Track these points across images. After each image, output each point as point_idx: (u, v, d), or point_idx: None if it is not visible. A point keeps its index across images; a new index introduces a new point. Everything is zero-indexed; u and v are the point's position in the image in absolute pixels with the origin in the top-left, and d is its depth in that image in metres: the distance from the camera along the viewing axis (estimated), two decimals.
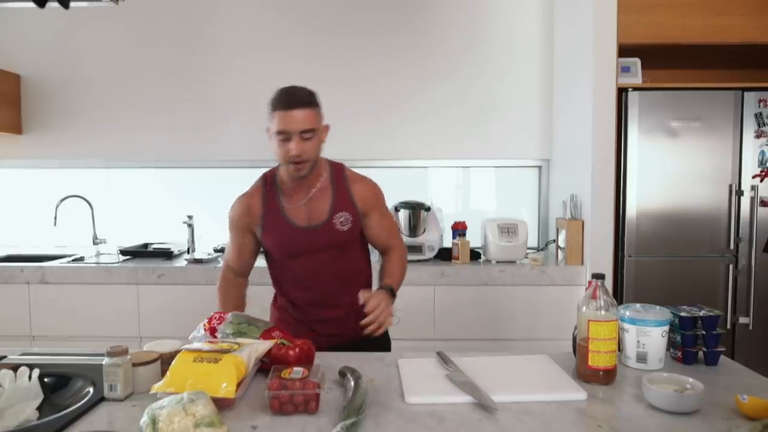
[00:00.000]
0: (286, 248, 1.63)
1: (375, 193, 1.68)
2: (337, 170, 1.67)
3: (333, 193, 1.62)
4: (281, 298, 1.76)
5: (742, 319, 2.57)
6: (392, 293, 1.59)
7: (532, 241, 3.12)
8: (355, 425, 1.01)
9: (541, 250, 3.12)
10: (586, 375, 1.25)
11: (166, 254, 2.91)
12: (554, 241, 2.90)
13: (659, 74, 2.96)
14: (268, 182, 1.69)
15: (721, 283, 2.58)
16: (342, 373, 1.24)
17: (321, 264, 1.62)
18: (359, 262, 1.72)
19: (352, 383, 1.14)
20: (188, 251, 3.03)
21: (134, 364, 1.20)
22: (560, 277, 2.60)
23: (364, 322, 1.46)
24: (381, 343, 1.69)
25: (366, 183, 1.69)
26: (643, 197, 2.57)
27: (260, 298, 2.59)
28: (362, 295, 1.49)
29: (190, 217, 3.08)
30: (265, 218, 1.63)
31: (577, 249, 2.62)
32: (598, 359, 1.23)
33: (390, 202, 1.89)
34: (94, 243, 3.09)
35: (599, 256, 2.56)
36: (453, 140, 3.16)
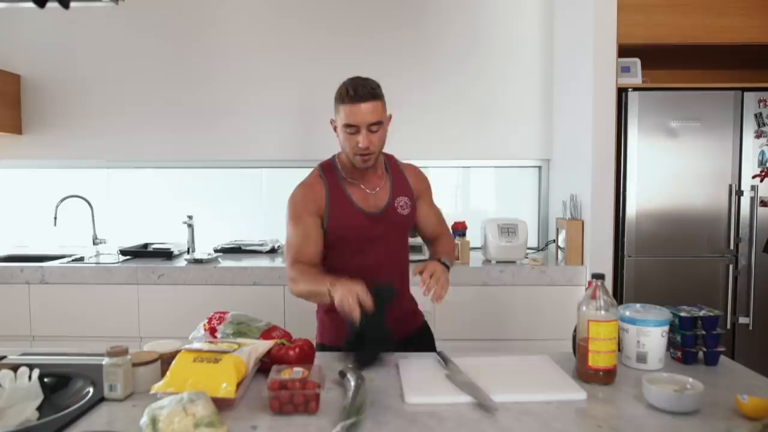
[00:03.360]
0: (354, 234, 1.60)
1: (423, 176, 1.75)
2: (391, 158, 1.73)
3: (391, 180, 1.67)
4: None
5: (742, 320, 2.57)
6: (445, 265, 1.57)
7: (532, 241, 3.12)
8: (356, 425, 1.01)
9: (541, 250, 3.13)
10: (586, 375, 1.25)
11: (166, 254, 2.91)
12: (554, 241, 2.90)
13: (659, 74, 2.96)
14: (328, 171, 1.67)
15: (721, 283, 2.58)
16: (342, 373, 1.24)
17: (382, 254, 1.62)
18: (405, 252, 1.74)
19: (353, 383, 1.14)
20: (188, 251, 3.03)
21: (134, 364, 1.20)
22: (560, 277, 2.60)
23: (423, 287, 1.46)
24: (425, 342, 1.73)
25: (415, 168, 1.76)
26: (643, 197, 2.57)
27: (262, 298, 2.60)
28: (416, 268, 1.51)
29: (190, 217, 3.08)
30: (330, 205, 1.61)
31: (577, 249, 2.62)
32: (598, 359, 1.23)
33: None
34: (94, 243, 3.09)
35: (599, 256, 2.56)
36: (453, 140, 3.16)
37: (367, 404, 1.09)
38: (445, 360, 1.36)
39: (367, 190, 1.63)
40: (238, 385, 1.11)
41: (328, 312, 1.67)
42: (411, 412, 1.10)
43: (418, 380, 1.26)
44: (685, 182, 2.56)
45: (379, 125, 1.52)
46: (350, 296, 1.34)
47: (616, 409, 1.13)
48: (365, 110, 1.48)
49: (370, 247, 1.61)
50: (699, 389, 1.11)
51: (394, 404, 1.14)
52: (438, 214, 1.79)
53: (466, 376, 1.25)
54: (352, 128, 1.50)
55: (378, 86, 1.55)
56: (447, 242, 1.76)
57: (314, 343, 1.46)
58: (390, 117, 1.61)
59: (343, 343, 1.43)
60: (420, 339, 1.72)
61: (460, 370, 1.29)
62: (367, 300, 1.34)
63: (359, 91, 1.49)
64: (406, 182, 1.68)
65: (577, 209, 2.69)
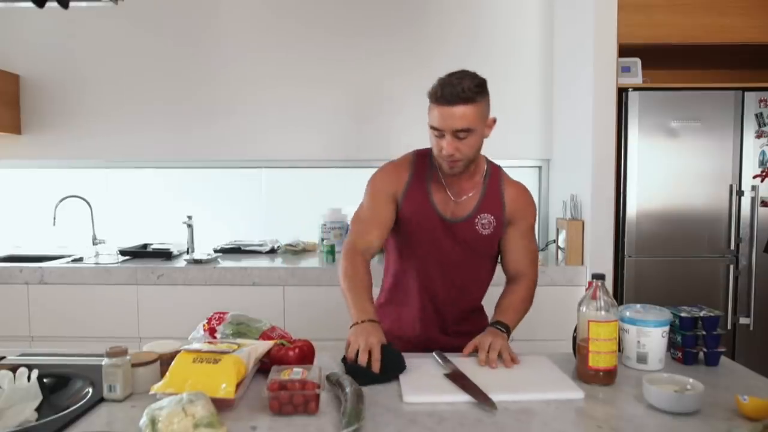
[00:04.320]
0: (422, 236, 1.49)
1: (528, 201, 1.53)
2: (495, 170, 1.55)
3: (483, 192, 1.51)
4: (389, 291, 1.63)
5: (743, 320, 2.57)
6: (506, 331, 1.44)
7: None
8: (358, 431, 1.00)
9: (542, 250, 3.12)
10: (586, 375, 1.25)
11: (166, 254, 2.91)
12: (554, 241, 2.90)
13: (659, 74, 2.96)
14: (420, 159, 1.54)
15: (721, 283, 2.58)
16: (330, 379, 1.21)
17: (448, 264, 1.50)
18: (481, 277, 1.57)
19: (347, 390, 1.12)
20: (188, 251, 3.03)
21: (134, 365, 1.20)
22: (560, 278, 2.60)
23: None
24: None
25: (520, 188, 1.55)
26: (643, 197, 2.57)
27: (262, 298, 2.60)
28: (469, 346, 1.37)
29: (189, 217, 3.07)
30: (407, 192, 1.50)
31: (577, 249, 2.62)
32: (599, 360, 1.22)
33: None
34: (94, 243, 3.09)
35: (599, 256, 2.56)
36: None
37: (366, 408, 1.09)
38: (443, 359, 1.36)
39: (451, 196, 1.50)
40: (238, 385, 1.11)
41: (382, 306, 1.63)
42: (410, 413, 1.10)
43: (416, 380, 1.26)
44: (685, 182, 2.56)
45: (468, 132, 1.36)
46: (361, 349, 1.26)
47: (616, 410, 1.13)
48: (453, 115, 1.34)
49: (437, 257, 1.49)
50: (699, 390, 1.11)
51: (393, 404, 1.14)
52: (529, 251, 1.54)
53: (465, 376, 1.25)
54: (437, 131, 1.38)
55: (474, 88, 1.36)
56: (523, 293, 1.52)
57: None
58: (493, 121, 1.45)
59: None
60: None
61: (458, 370, 1.28)
62: (375, 363, 1.24)
63: (447, 92, 1.34)
64: (500, 201, 1.50)
65: (577, 209, 2.68)
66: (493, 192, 1.51)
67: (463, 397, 1.16)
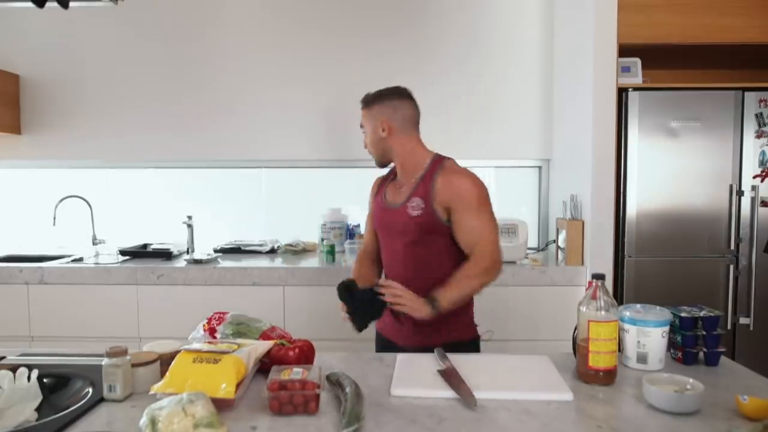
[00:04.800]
0: (377, 224, 1.80)
1: (461, 190, 1.63)
2: (436, 162, 1.70)
3: (418, 181, 1.68)
4: None
5: (743, 320, 2.57)
6: (435, 309, 1.52)
7: (533, 242, 3.11)
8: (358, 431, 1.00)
9: (542, 250, 3.12)
10: (586, 375, 1.25)
11: (166, 254, 2.91)
12: (554, 241, 2.90)
13: (659, 74, 2.96)
14: (393, 169, 1.84)
15: (721, 283, 2.58)
16: (330, 379, 1.22)
17: (397, 249, 1.70)
18: (438, 259, 1.65)
19: (347, 390, 1.12)
20: (188, 251, 3.03)
21: (134, 365, 1.20)
22: (560, 278, 2.60)
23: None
24: (470, 349, 1.67)
25: (456, 176, 1.66)
26: (643, 197, 2.57)
27: (262, 298, 2.60)
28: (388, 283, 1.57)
29: (189, 217, 3.07)
30: (377, 192, 1.83)
31: (577, 249, 2.62)
32: (599, 360, 1.22)
33: None
34: (94, 243, 3.09)
35: (599, 256, 2.56)
36: (453, 140, 3.16)
37: (366, 408, 1.09)
38: (442, 357, 1.37)
39: (397, 187, 1.75)
40: (238, 385, 1.11)
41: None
42: (410, 412, 1.10)
43: (408, 374, 1.28)
44: (685, 182, 2.56)
45: (362, 128, 1.77)
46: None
47: (616, 410, 1.13)
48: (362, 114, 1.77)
49: (390, 241, 1.74)
50: (699, 390, 1.11)
51: (393, 404, 1.14)
52: (474, 230, 1.62)
53: (456, 372, 1.25)
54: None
55: (371, 95, 1.76)
56: (468, 270, 1.60)
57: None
58: (384, 126, 1.70)
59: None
60: (454, 350, 1.53)
61: (452, 367, 1.29)
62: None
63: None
64: (430, 187, 1.64)
65: (577, 209, 2.68)
66: (426, 180, 1.67)
67: (447, 393, 1.17)
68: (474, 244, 1.62)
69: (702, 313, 1.39)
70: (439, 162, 1.70)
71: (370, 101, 1.74)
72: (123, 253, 2.94)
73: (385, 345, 1.78)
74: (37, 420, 1.11)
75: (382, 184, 1.83)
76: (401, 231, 1.67)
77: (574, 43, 2.79)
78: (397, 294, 1.53)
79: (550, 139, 3.16)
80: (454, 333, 1.66)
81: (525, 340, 2.61)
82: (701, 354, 1.37)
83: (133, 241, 3.15)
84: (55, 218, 2.99)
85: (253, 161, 3.23)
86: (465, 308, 1.72)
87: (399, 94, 1.74)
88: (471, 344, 1.73)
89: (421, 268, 1.66)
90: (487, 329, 1.81)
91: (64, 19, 3.07)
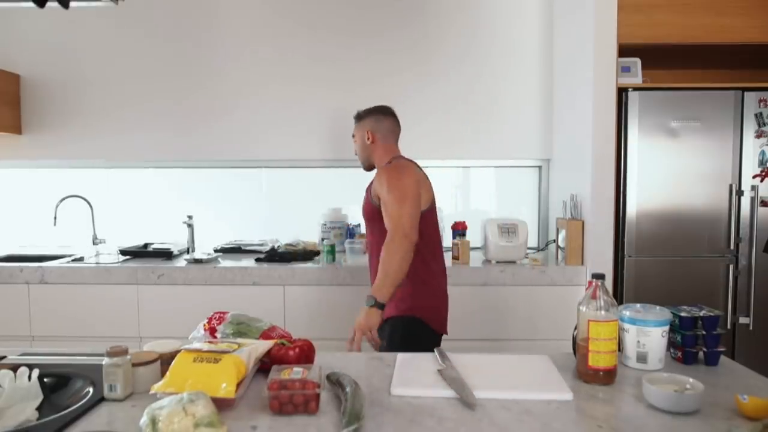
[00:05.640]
0: None
1: (378, 182, 1.94)
2: (387, 163, 2.01)
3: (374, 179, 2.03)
4: None
5: (743, 320, 2.57)
6: (376, 305, 1.76)
7: (532, 241, 3.12)
8: (358, 431, 1.00)
9: (541, 250, 3.12)
10: (586, 375, 1.25)
11: (166, 254, 2.91)
12: (554, 241, 2.90)
13: (659, 74, 2.96)
14: None
15: (721, 283, 2.58)
16: (331, 378, 1.22)
17: (367, 238, 2.10)
18: (376, 239, 1.96)
19: (347, 390, 1.12)
20: (188, 251, 3.03)
21: (134, 364, 1.20)
22: (560, 277, 2.60)
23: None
24: (415, 329, 1.89)
25: (379, 172, 1.99)
26: (643, 197, 2.57)
27: (262, 298, 2.60)
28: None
29: (190, 217, 3.08)
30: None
31: (577, 249, 2.62)
32: (599, 359, 1.23)
33: None
34: (94, 243, 3.09)
35: (599, 256, 2.56)
36: (453, 140, 3.16)
37: (366, 408, 1.09)
38: (442, 357, 1.37)
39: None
40: (238, 385, 1.11)
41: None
42: (410, 412, 1.10)
43: (408, 374, 1.28)
44: (685, 182, 2.56)
45: (353, 138, 2.16)
46: None
47: (616, 409, 1.13)
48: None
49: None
50: (699, 389, 1.11)
51: (393, 404, 1.14)
52: (386, 215, 1.86)
53: (457, 372, 1.25)
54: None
55: (360, 112, 2.15)
56: (383, 253, 1.81)
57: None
58: (369, 135, 2.08)
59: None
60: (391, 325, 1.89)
61: (452, 367, 1.29)
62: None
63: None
64: (372, 183, 2.00)
65: (577, 209, 2.68)
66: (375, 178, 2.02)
67: (447, 392, 1.17)
68: (387, 226, 1.84)
69: (702, 313, 1.39)
70: (388, 163, 2.00)
71: (361, 116, 2.13)
72: (123, 252, 2.94)
73: None
74: (37, 419, 1.11)
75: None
76: (366, 222, 2.05)
77: (574, 43, 2.79)
78: (356, 337, 1.75)
79: (550, 139, 3.16)
80: (393, 306, 1.88)
81: (525, 340, 2.61)
82: (701, 354, 1.37)
83: (133, 241, 3.15)
84: (55, 218, 2.99)
85: (254, 161, 3.24)
86: (403, 285, 1.85)
87: (383, 111, 2.10)
88: (407, 322, 1.90)
89: (375, 249, 1.95)
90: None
91: (65, 19, 3.07)
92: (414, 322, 1.88)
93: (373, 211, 1.96)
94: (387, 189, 1.87)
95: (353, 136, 2.15)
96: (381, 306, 1.75)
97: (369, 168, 2.13)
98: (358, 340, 1.74)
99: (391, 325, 1.87)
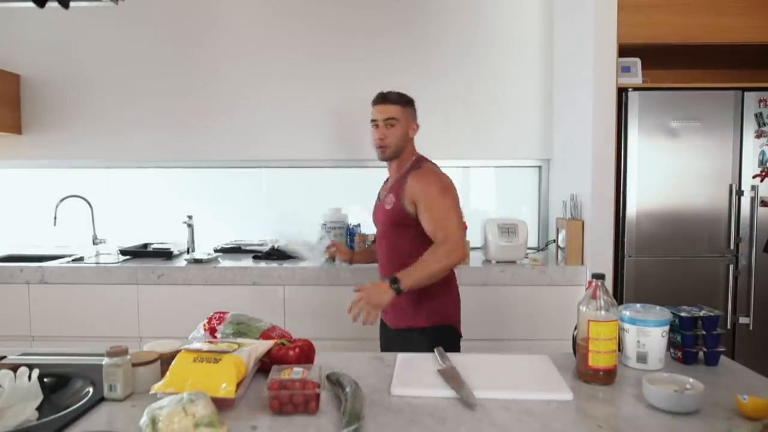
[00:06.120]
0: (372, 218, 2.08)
1: (424, 183, 1.84)
2: (415, 164, 1.93)
3: (398, 179, 1.91)
4: None
5: (743, 320, 2.57)
6: (396, 288, 1.69)
7: (532, 241, 3.11)
8: (358, 431, 1.00)
9: (541, 250, 3.12)
10: (586, 375, 1.25)
11: (166, 254, 2.91)
12: (554, 241, 2.90)
13: (659, 74, 2.96)
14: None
15: (721, 283, 2.58)
16: (331, 378, 1.22)
17: (379, 240, 2.00)
18: (409, 248, 1.83)
19: (347, 390, 1.13)
20: (188, 251, 3.03)
21: (134, 364, 1.20)
22: (560, 277, 2.60)
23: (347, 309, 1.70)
24: (446, 338, 1.82)
25: (423, 174, 1.87)
26: (643, 197, 2.57)
27: (262, 298, 2.60)
28: (357, 285, 1.75)
29: (190, 217, 3.08)
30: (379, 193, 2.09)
31: (577, 249, 2.62)
32: (599, 359, 1.23)
33: None
34: (94, 243, 3.09)
35: (599, 256, 2.56)
36: (453, 140, 3.16)
37: (366, 408, 1.09)
38: (442, 356, 1.37)
39: (386, 185, 2.02)
40: (238, 385, 1.11)
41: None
42: (410, 412, 1.10)
43: (408, 374, 1.29)
44: (685, 182, 2.56)
45: (394, 121, 1.90)
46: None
47: (616, 409, 1.13)
48: (384, 109, 1.91)
49: (379, 232, 2.00)
50: (699, 389, 1.11)
51: (392, 404, 1.14)
52: (435, 220, 1.80)
53: (456, 372, 1.25)
54: (374, 123, 1.93)
55: (403, 96, 1.95)
56: (429, 252, 1.75)
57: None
58: (416, 127, 1.98)
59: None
60: (430, 335, 1.82)
61: (452, 366, 1.29)
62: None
63: (383, 96, 1.94)
64: (403, 185, 1.86)
65: (577, 209, 2.68)
66: (402, 179, 1.89)
67: (447, 392, 1.17)
68: (435, 231, 1.80)
69: (702, 313, 1.39)
70: (416, 164, 1.92)
71: (407, 101, 1.96)
72: (123, 252, 2.94)
73: (382, 328, 2.04)
74: (37, 419, 1.11)
75: (384, 184, 2.08)
76: (380, 223, 1.97)
77: (574, 43, 2.79)
78: (358, 304, 1.68)
79: (550, 139, 3.16)
80: (427, 316, 1.85)
81: (525, 340, 2.61)
82: (701, 354, 1.37)
83: (133, 241, 3.15)
84: (55, 218, 2.99)
85: (254, 161, 3.24)
86: (440, 296, 1.87)
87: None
88: (446, 331, 1.88)
89: (394, 255, 1.89)
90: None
91: (65, 19, 3.07)
92: (450, 331, 1.89)
93: (402, 216, 1.85)
94: (439, 194, 1.80)
95: (391, 119, 1.90)
96: (399, 292, 1.69)
97: (389, 159, 1.95)
98: (362, 313, 1.66)
99: (428, 335, 1.81)
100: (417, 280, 1.71)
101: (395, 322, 1.92)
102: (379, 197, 2.05)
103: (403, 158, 1.94)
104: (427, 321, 1.85)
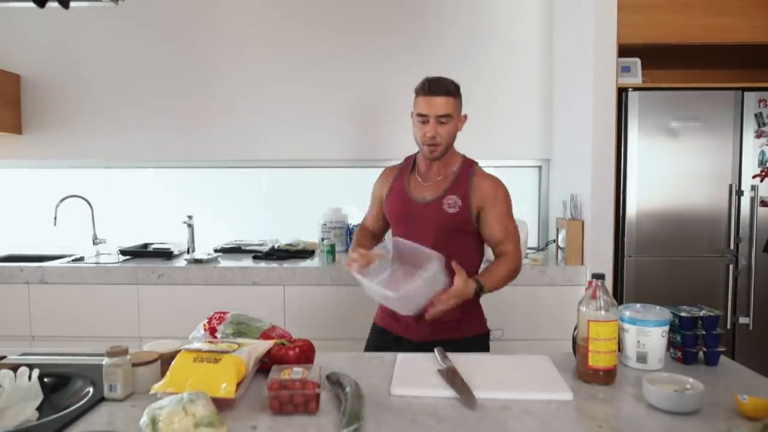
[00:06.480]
0: (398, 216, 1.75)
1: (496, 190, 1.71)
2: (468, 163, 1.76)
3: (453, 179, 1.71)
4: None
5: (742, 320, 2.57)
6: (478, 289, 1.57)
7: (533, 241, 3.12)
8: (358, 431, 1.00)
9: (541, 250, 3.12)
10: (586, 375, 1.25)
11: (166, 254, 2.91)
12: (554, 241, 2.90)
13: (659, 74, 2.96)
14: (407, 160, 1.84)
15: (721, 283, 2.58)
16: (331, 378, 1.22)
17: (425, 244, 1.58)
18: (466, 258, 1.64)
19: (347, 390, 1.13)
20: (188, 251, 3.03)
21: (134, 364, 1.20)
22: (560, 277, 2.60)
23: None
24: (480, 345, 1.74)
25: (490, 179, 1.73)
26: (643, 197, 2.57)
27: (262, 298, 2.60)
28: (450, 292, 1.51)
29: (190, 217, 3.08)
30: (391, 188, 1.79)
31: (577, 249, 2.62)
32: (599, 359, 1.23)
33: None
34: (94, 243, 3.09)
35: (599, 256, 2.56)
36: None
37: (366, 408, 1.09)
38: (442, 356, 1.37)
39: (423, 182, 1.74)
40: (238, 385, 1.11)
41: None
42: (410, 412, 1.10)
43: (408, 373, 1.28)
44: (685, 182, 2.56)
45: (448, 118, 1.63)
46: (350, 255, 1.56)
47: (616, 409, 1.13)
48: (437, 102, 1.61)
49: (417, 236, 1.63)
50: (699, 389, 1.11)
51: (392, 404, 1.14)
52: (507, 231, 1.69)
53: (456, 372, 1.26)
54: (423, 117, 1.64)
55: (455, 84, 1.66)
56: (503, 263, 1.67)
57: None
58: (465, 117, 1.72)
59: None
60: (465, 347, 1.59)
61: (453, 367, 1.29)
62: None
63: (434, 85, 1.62)
64: (467, 185, 1.69)
65: (577, 209, 2.68)
66: (462, 178, 1.71)
67: (447, 392, 1.17)
68: (503, 239, 1.69)
69: (702, 313, 1.39)
70: (470, 163, 1.76)
71: (458, 89, 1.67)
72: (123, 252, 2.94)
73: (393, 342, 1.73)
74: (37, 419, 1.11)
75: (401, 175, 1.79)
76: (434, 227, 1.67)
77: (574, 43, 2.79)
78: (449, 301, 1.50)
79: (550, 139, 3.16)
80: (466, 327, 1.71)
81: (525, 340, 2.61)
82: (701, 354, 1.37)
83: (133, 241, 3.15)
84: (55, 218, 2.99)
85: (254, 161, 3.24)
86: (476, 305, 1.76)
87: None
88: (482, 339, 1.78)
89: (465, 264, 1.62)
90: (497, 328, 1.80)
91: (65, 19, 3.07)
92: (488, 336, 1.83)
93: (468, 221, 1.68)
94: (507, 209, 1.72)
95: (446, 116, 1.62)
96: (478, 293, 1.59)
97: (438, 159, 1.69)
98: (446, 308, 1.51)
99: (475, 343, 1.73)
100: (493, 287, 1.63)
101: (431, 335, 1.65)
102: (408, 191, 1.74)
103: (449, 155, 1.72)
104: (470, 331, 1.74)
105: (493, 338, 1.82)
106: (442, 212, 1.67)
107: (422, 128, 1.65)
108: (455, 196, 1.68)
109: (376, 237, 1.91)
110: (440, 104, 1.61)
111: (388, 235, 1.86)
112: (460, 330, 1.70)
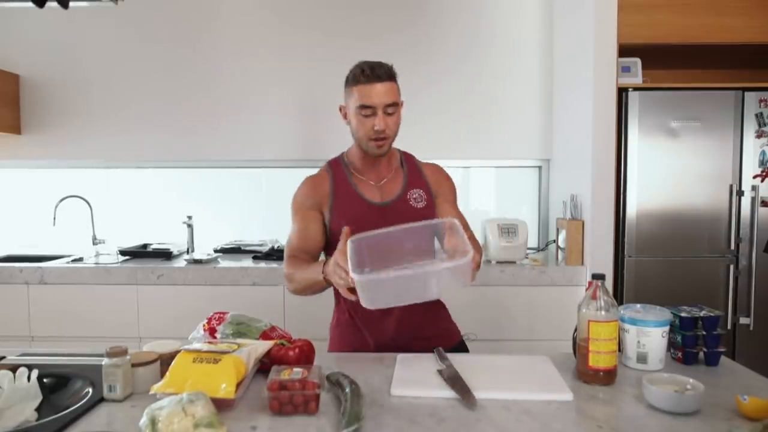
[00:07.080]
0: (359, 223, 1.39)
1: (447, 178, 1.63)
2: (408, 156, 1.64)
3: (405, 173, 1.58)
4: (342, 312, 1.61)
5: (743, 320, 2.57)
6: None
7: (533, 242, 3.11)
8: (358, 431, 1.00)
9: (541, 250, 3.12)
10: (586, 375, 1.25)
11: (166, 254, 2.91)
12: (554, 241, 2.90)
13: (659, 74, 2.96)
14: (335, 165, 1.61)
15: (721, 283, 2.58)
16: (331, 380, 1.22)
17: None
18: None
19: (348, 390, 1.12)
20: (188, 251, 3.03)
21: (134, 365, 1.19)
22: (560, 278, 2.60)
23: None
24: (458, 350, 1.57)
25: (437, 167, 1.65)
26: (643, 197, 2.57)
27: (262, 298, 2.60)
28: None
29: (189, 217, 3.08)
30: (334, 197, 1.54)
31: (577, 249, 2.62)
32: (599, 360, 1.22)
33: None
34: (94, 243, 3.09)
35: (599, 256, 2.56)
36: (453, 140, 3.16)
37: (366, 408, 1.09)
38: (441, 357, 1.37)
39: (372, 183, 1.56)
40: (238, 385, 1.11)
41: (338, 325, 1.65)
42: (410, 412, 1.10)
43: (408, 374, 1.28)
44: (685, 182, 2.56)
45: (395, 107, 1.47)
46: (338, 269, 1.25)
47: (616, 410, 1.13)
48: (382, 90, 1.43)
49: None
50: (699, 390, 1.11)
51: (392, 404, 1.14)
52: (464, 221, 1.54)
53: (457, 372, 1.25)
54: (367, 110, 1.44)
55: (392, 68, 1.49)
56: (476, 250, 1.43)
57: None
58: (402, 103, 1.54)
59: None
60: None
61: (452, 367, 1.29)
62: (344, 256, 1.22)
63: (376, 71, 1.44)
64: (422, 177, 1.59)
65: (577, 209, 2.68)
66: (413, 171, 1.59)
67: (447, 393, 1.17)
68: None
69: (702, 313, 1.38)
70: (407, 154, 1.65)
71: (394, 73, 1.50)
72: (123, 253, 2.94)
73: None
74: (37, 420, 1.11)
75: (340, 180, 1.56)
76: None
77: (574, 43, 2.79)
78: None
79: (550, 139, 3.16)
80: (443, 342, 1.49)
81: (525, 340, 2.61)
82: (701, 354, 1.37)
83: (133, 241, 3.15)
84: (55, 218, 2.99)
85: (253, 161, 3.23)
86: (443, 314, 1.65)
87: None
88: (456, 349, 1.59)
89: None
90: (469, 331, 1.73)
91: (64, 19, 3.06)
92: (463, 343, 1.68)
93: (434, 216, 1.55)
94: (456, 194, 1.63)
95: (393, 105, 1.47)
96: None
97: (384, 154, 1.53)
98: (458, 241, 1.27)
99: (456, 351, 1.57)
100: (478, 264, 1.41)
101: (435, 342, 1.48)
102: (362, 198, 1.54)
103: (392, 152, 1.59)
104: (453, 339, 1.63)
105: (467, 339, 1.72)
106: (411, 209, 1.51)
107: (366, 122, 1.45)
108: (419, 190, 1.55)
109: (315, 259, 1.59)
110: (386, 91, 1.43)
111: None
112: (448, 340, 1.59)
